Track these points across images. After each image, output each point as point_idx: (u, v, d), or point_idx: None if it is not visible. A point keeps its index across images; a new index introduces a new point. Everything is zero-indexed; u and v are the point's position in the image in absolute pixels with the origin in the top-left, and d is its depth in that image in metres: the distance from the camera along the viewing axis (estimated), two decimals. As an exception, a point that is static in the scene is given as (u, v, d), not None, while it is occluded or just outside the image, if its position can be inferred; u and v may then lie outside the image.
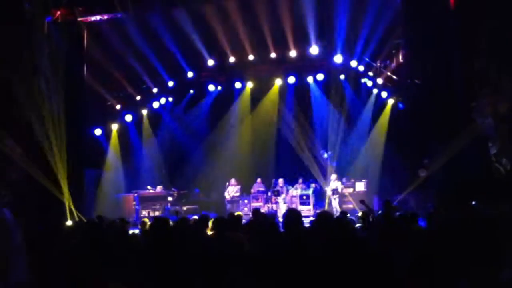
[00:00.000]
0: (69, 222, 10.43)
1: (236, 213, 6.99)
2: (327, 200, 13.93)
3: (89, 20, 13.40)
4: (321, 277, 3.46)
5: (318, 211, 12.83)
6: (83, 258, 4.35)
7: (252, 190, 15.04)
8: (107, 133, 15.20)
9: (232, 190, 14.81)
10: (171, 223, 5.07)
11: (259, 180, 15.30)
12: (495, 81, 10.90)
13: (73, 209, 11.96)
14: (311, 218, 10.24)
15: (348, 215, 8.59)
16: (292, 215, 4.18)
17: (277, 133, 16.41)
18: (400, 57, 13.49)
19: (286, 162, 15.91)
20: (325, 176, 14.58)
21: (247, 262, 3.94)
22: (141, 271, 4.11)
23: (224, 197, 14.84)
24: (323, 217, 4.43)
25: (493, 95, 10.99)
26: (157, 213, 13.88)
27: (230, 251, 4.10)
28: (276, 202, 14.13)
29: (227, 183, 14.87)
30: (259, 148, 16.30)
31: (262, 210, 13.07)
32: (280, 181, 14.66)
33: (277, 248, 3.92)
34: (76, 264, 4.24)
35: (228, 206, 14.64)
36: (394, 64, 14.01)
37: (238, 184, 14.87)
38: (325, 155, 14.81)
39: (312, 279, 3.46)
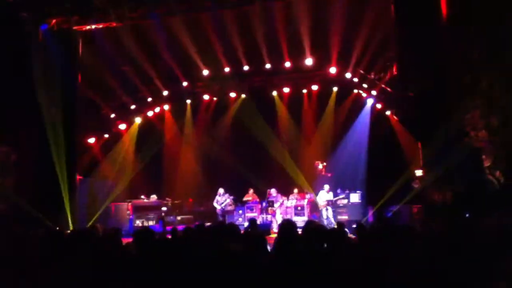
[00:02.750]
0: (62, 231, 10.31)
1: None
2: (324, 212, 13.91)
3: (84, 28, 13.41)
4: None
5: (305, 222, 12.84)
6: (78, 267, 4.29)
7: (245, 199, 15.02)
8: (100, 142, 15.15)
9: (222, 200, 14.74)
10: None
11: (251, 191, 15.28)
12: (487, 93, 10.98)
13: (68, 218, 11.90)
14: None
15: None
16: (287, 226, 4.18)
17: (271, 143, 16.43)
18: (394, 69, 13.57)
19: (279, 172, 15.91)
20: (318, 187, 14.59)
21: (242, 271, 3.91)
22: (135, 282, 4.06)
23: (215, 207, 14.82)
24: (311, 228, 4.43)
25: (486, 107, 11.06)
26: (151, 223, 13.79)
27: (226, 260, 4.07)
28: (274, 213, 14.11)
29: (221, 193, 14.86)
30: (252, 158, 16.29)
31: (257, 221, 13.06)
32: (273, 190, 14.65)
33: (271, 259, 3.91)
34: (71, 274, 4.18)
35: (221, 216, 14.59)
36: (388, 76, 14.09)
37: (227, 194, 14.78)
38: (320, 166, 14.82)
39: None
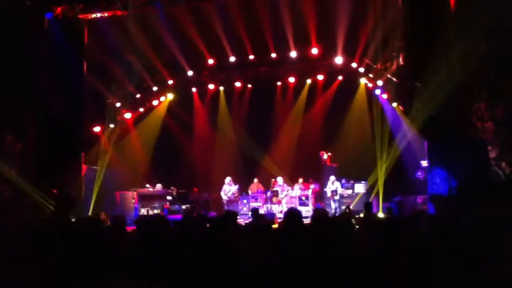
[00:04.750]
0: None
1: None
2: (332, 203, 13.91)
3: (90, 17, 13.39)
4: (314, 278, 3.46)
5: (314, 209, 12.88)
6: (80, 256, 4.30)
7: (249, 191, 15.02)
8: (106, 131, 15.17)
9: (228, 190, 14.75)
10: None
11: (256, 180, 15.29)
12: (493, 84, 10.90)
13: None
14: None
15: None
16: (293, 214, 4.17)
17: (276, 132, 16.48)
18: (401, 59, 13.47)
19: (286, 162, 15.92)
20: (324, 177, 14.58)
21: (243, 264, 3.91)
22: (139, 270, 4.07)
23: (221, 197, 14.85)
24: (319, 215, 4.42)
25: (492, 98, 10.99)
26: (156, 212, 13.84)
27: (226, 253, 4.06)
28: (280, 202, 14.14)
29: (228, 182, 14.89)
30: (257, 148, 16.34)
31: (261, 211, 13.09)
32: (279, 179, 14.64)
33: (274, 250, 3.91)
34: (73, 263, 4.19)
35: (227, 206, 14.62)
36: (394, 66, 13.98)
37: (234, 184, 14.81)
38: (325, 156, 14.79)
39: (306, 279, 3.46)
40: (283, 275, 3.50)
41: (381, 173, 13.14)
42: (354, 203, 13.57)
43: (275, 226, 5.97)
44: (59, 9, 13.07)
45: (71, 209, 10.31)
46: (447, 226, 5.07)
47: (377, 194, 13.35)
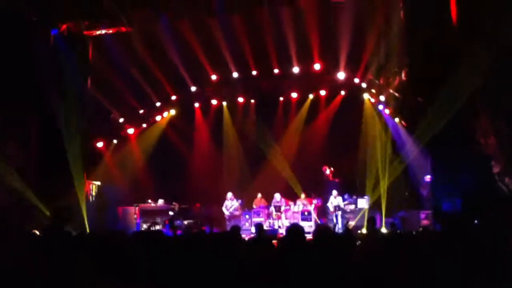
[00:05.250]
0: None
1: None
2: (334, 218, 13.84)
3: (94, 33, 13.51)
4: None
5: (317, 225, 12.82)
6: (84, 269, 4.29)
7: (254, 206, 14.98)
8: (109, 146, 15.21)
9: (230, 205, 14.72)
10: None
11: (259, 195, 15.25)
12: (496, 100, 10.88)
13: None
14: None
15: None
16: (295, 230, 4.15)
17: (279, 147, 16.48)
18: (403, 74, 13.50)
19: (288, 176, 15.89)
20: (326, 192, 14.53)
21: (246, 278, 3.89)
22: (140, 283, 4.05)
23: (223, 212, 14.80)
24: (322, 232, 4.40)
25: (495, 113, 10.97)
26: (158, 227, 13.79)
27: (229, 266, 4.04)
28: (279, 217, 14.08)
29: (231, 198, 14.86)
30: (259, 163, 16.34)
31: (264, 226, 13.03)
32: (277, 195, 14.61)
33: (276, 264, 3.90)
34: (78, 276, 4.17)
35: (228, 221, 14.56)
36: (397, 82, 14.01)
37: (236, 199, 14.78)
38: (328, 171, 14.77)
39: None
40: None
41: (384, 188, 13.08)
42: (357, 218, 13.50)
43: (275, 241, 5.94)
44: (64, 26, 13.19)
45: (68, 222, 10.27)
46: (451, 241, 5.03)
47: (380, 209, 13.28)
